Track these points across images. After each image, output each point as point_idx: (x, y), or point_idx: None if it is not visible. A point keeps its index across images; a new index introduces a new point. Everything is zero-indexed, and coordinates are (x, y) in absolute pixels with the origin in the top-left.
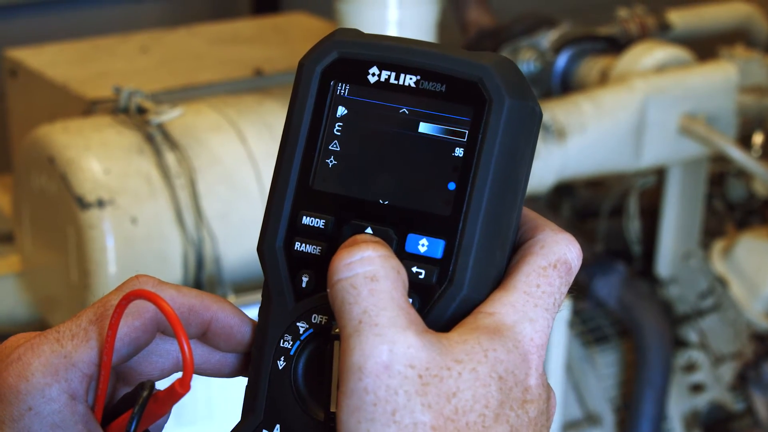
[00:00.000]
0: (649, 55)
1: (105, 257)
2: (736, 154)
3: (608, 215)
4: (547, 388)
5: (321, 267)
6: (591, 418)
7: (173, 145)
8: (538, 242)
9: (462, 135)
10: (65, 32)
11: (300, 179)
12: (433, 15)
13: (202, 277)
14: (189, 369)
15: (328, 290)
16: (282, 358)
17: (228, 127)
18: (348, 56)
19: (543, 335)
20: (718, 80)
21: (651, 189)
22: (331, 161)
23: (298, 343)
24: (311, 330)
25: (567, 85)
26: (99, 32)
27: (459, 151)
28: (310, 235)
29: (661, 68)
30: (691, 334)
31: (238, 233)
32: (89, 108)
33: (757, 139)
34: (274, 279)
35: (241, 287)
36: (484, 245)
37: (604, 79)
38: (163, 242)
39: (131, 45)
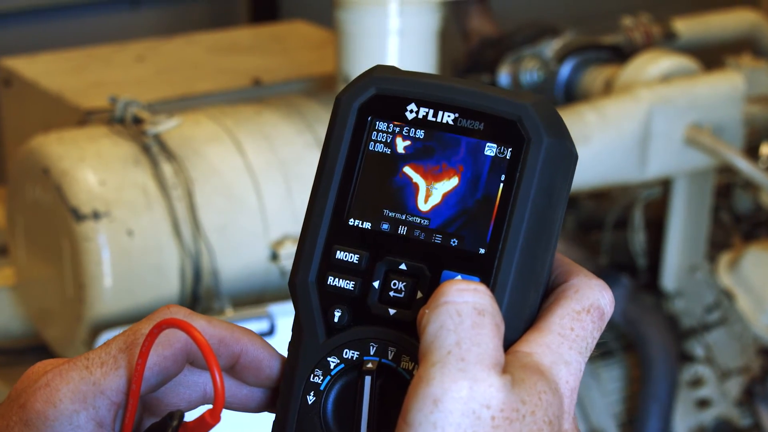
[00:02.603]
0: (654, 64)
1: (100, 270)
2: (743, 165)
3: (613, 227)
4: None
5: (354, 302)
6: None
7: (170, 156)
8: (572, 287)
9: (500, 173)
10: (60, 41)
11: (335, 214)
12: (434, 23)
13: (200, 290)
14: (220, 399)
15: (425, 311)
16: (312, 393)
17: (226, 137)
18: (386, 93)
19: (576, 379)
20: (724, 90)
21: (656, 201)
22: (366, 196)
23: (328, 378)
24: (342, 365)
25: (570, 95)
26: (94, 41)
27: (496, 189)
28: (344, 270)
29: (667, 78)
30: (697, 349)
31: (236, 246)
32: (84, 118)
33: (765, 149)
34: (306, 313)
35: (239, 301)
36: (519, 284)
37: (608, 88)
38: (159, 255)
39: (127, 54)
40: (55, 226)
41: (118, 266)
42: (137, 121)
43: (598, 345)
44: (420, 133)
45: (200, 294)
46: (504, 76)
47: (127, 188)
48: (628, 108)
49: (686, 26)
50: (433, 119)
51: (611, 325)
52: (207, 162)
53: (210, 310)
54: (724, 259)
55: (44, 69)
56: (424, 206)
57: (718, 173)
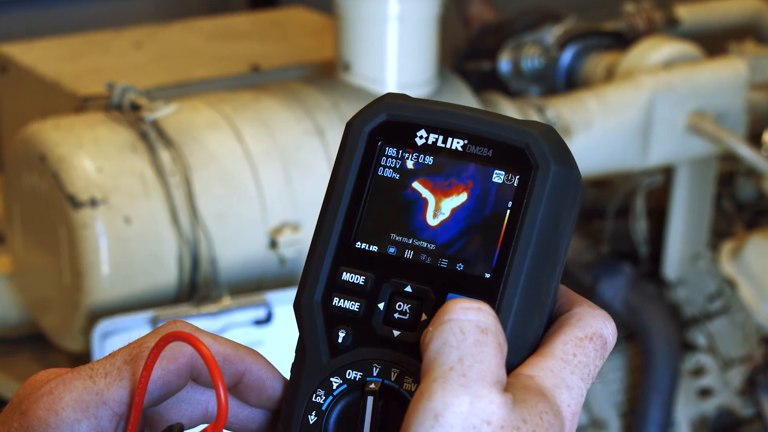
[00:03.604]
0: (656, 50)
1: (98, 258)
2: (746, 152)
3: (614, 215)
4: None
5: (358, 323)
6: (596, 424)
7: (168, 142)
8: (576, 315)
9: (507, 199)
10: (57, 27)
11: (342, 236)
12: (434, 9)
13: (198, 278)
14: (223, 416)
15: (429, 328)
16: (313, 413)
17: (224, 124)
18: (396, 119)
19: (578, 404)
20: (727, 77)
21: (658, 189)
22: (373, 220)
23: (330, 398)
24: (345, 386)
25: (572, 82)
26: (91, 27)
27: (503, 215)
28: (349, 291)
29: (669, 64)
30: (699, 338)
31: (234, 234)
32: (81, 105)
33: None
34: (310, 333)
35: (237, 289)
36: (523, 309)
37: (610, 75)
38: (157, 242)
39: (125, 40)
40: (51, 214)
41: (116, 254)
42: (135, 107)
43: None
44: (429, 160)
45: (198, 282)
46: (505, 63)
47: (125, 175)
48: (629, 95)
49: (689, 12)
50: (443, 145)
51: (612, 314)
52: (205, 149)
53: (208, 298)
54: (727, 247)
55: (41, 55)
56: (432, 221)
57: (721, 161)
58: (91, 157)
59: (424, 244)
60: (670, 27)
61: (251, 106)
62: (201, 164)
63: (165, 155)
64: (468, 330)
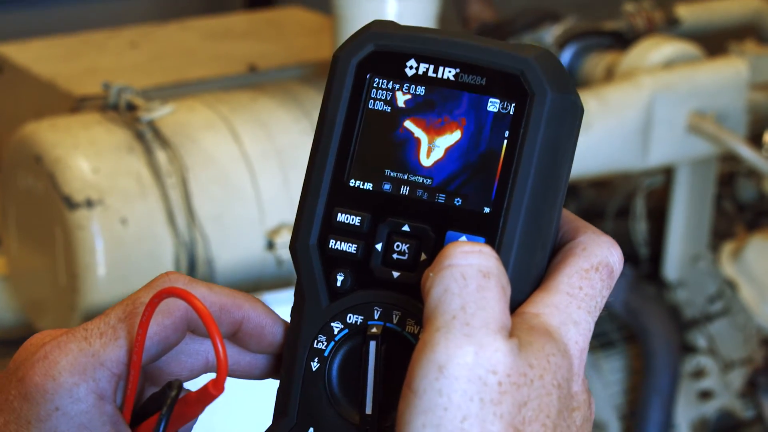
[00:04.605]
0: (656, 50)
1: (94, 259)
2: (747, 153)
3: (614, 216)
4: (589, 393)
5: (356, 266)
6: (596, 426)
7: (164, 143)
8: (580, 244)
9: (503, 129)
10: (52, 27)
11: (335, 175)
12: (433, 8)
13: None
14: (223, 370)
15: (429, 274)
16: (316, 360)
17: (221, 124)
18: (384, 49)
19: (585, 339)
20: (727, 77)
21: (658, 189)
22: (367, 156)
23: (332, 343)
24: (346, 330)
25: None
26: (87, 27)
27: (500, 146)
28: (346, 232)
29: (669, 64)
30: (700, 340)
31: (231, 235)
32: (77, 105)
33: None
34: (308, 278)
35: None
36: (525, 244)
37: (609, 75)
38: (154, 243)
39: (121, 40)
40: (47, 215)
41: (112, 255)
42: (131, 107)
43: (607, 304)
44: (420, 90)
45: None
46: None
47: (121, 176)
48: (629, 95)
49: (689, 12)
50: (434, 75)
51: (612, 316)
52: (202, 149)
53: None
54: (727, 248)
55: (36, 55)
56: (426, 161)
57: (721, 161)
58: (87, 157)
59: (420, 179)
60: (671, 27)
61: (248, 107)
62: (198, 165)
63: (161, 156)
64: (469, 275)
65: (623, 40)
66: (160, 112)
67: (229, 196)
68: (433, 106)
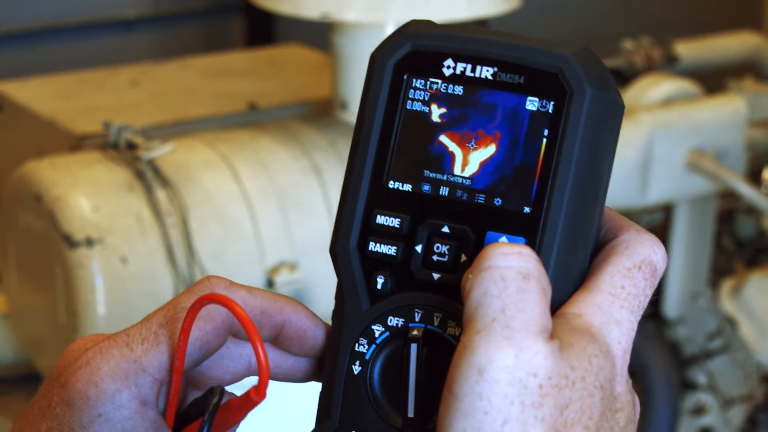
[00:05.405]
0: (655, 88)
1: (94, 298)
2: (746, 190)
3: None
4: (633, 394)
5: (396, 268)
6: None
7: (164, 182)
8: (623, 242)
9: (542, 128)
10: (52, 65)
11: (373, 177)
12: None
13: None
14: (265, 376)
15: (469, 276)
16: (357, 363)
17: (221, 163)
18: (421, 49)
19: (629, 339)
20: (726, 114)
21: (658, 226)
22: (405, 157)
23: (373, 347)
24: (387, 333)
25: None
26: (87, 65)
27: (539, 145)
28: (385, 234)
29: (668, 102)
30: (700, 376)
31: (231, 273)
32: (77, 143)
33: (767, 174)
34: (348, 281)
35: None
36: (567, 243)
37: None
38: (154, 282)
39: (121, 78)
40: (47, 253)
41: (112, 294)
42: (131, 146)
43: (651, 303)
44: (458, 89)
45: None
46: None
47: (121, 215)
48: (628, 132)
49: (688, 49)
50: (471, 74)
51: None
52: (202, 188)
53: None
54: (727, 285)
55: (37, 93)
56: (469, 154)
57: (720, 198)
58: (88, 196)
59: (459, 180)
60: (669, 64)
61: (248, 145)
62: (198, 203)
63: (161, 195)
64: (509, 277)
65: (622, 78)
66: (160, 151)
67: (229, 235)
68: (473, 108)
